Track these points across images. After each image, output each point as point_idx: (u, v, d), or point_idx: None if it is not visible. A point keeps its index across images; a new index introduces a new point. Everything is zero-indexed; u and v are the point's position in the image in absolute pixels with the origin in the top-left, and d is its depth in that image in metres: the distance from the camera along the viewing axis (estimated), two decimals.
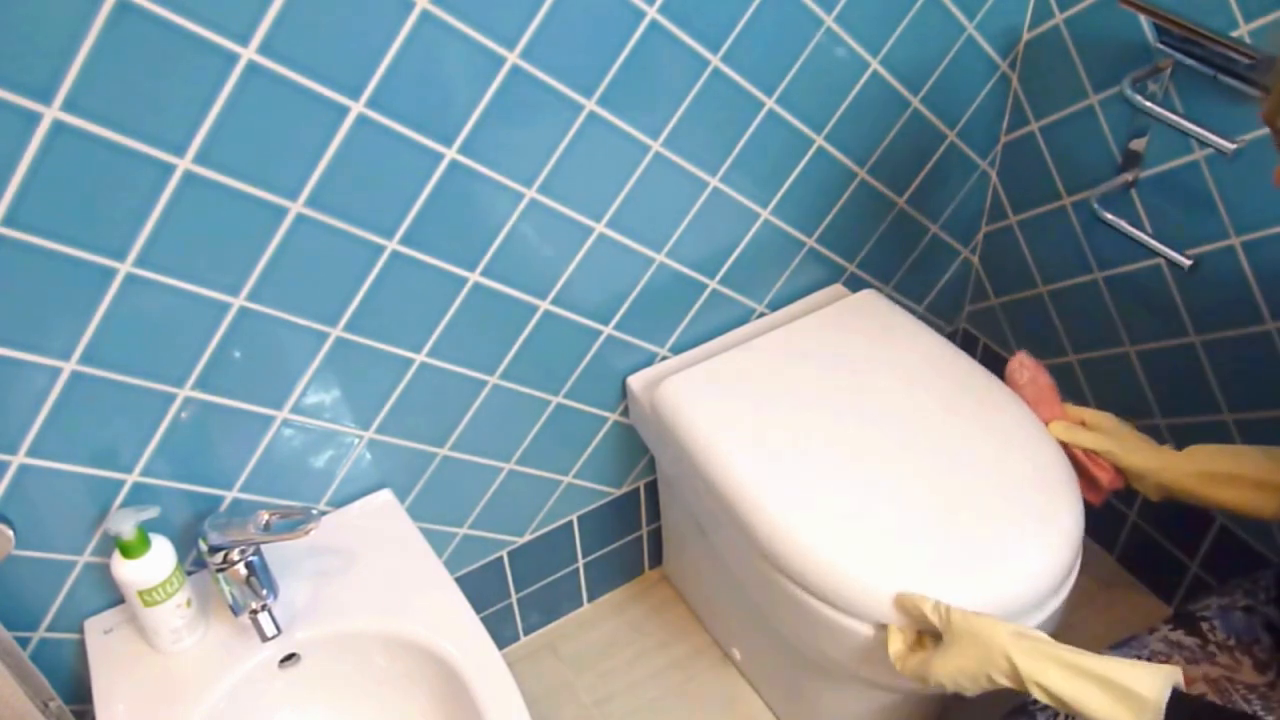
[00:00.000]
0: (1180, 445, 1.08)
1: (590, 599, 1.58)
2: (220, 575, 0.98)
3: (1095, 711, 0.83)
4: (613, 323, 1.24)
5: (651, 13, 1.02)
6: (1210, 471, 1.03)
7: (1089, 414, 1.14)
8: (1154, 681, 0.81)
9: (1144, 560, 1.52)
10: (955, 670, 0.91)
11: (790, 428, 1.16)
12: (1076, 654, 0.85)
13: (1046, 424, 1.14)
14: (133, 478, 1.01)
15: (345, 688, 1.06)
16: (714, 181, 1.19)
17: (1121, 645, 0.97)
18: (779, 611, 1.12)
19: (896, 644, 0.98)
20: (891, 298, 1.46)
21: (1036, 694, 0.86)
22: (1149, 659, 0.93)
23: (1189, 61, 1.13)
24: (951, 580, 0.98)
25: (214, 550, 0.96)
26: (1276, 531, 1.30)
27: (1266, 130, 1.10)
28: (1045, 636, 0.89)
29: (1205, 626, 0.96)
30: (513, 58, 0.97)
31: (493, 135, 1.00)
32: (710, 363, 1.26)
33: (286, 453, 1.09)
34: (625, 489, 1.45)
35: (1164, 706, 0.79)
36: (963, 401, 1.18)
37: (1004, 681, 0.89)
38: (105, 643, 1.04)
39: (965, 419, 1.16)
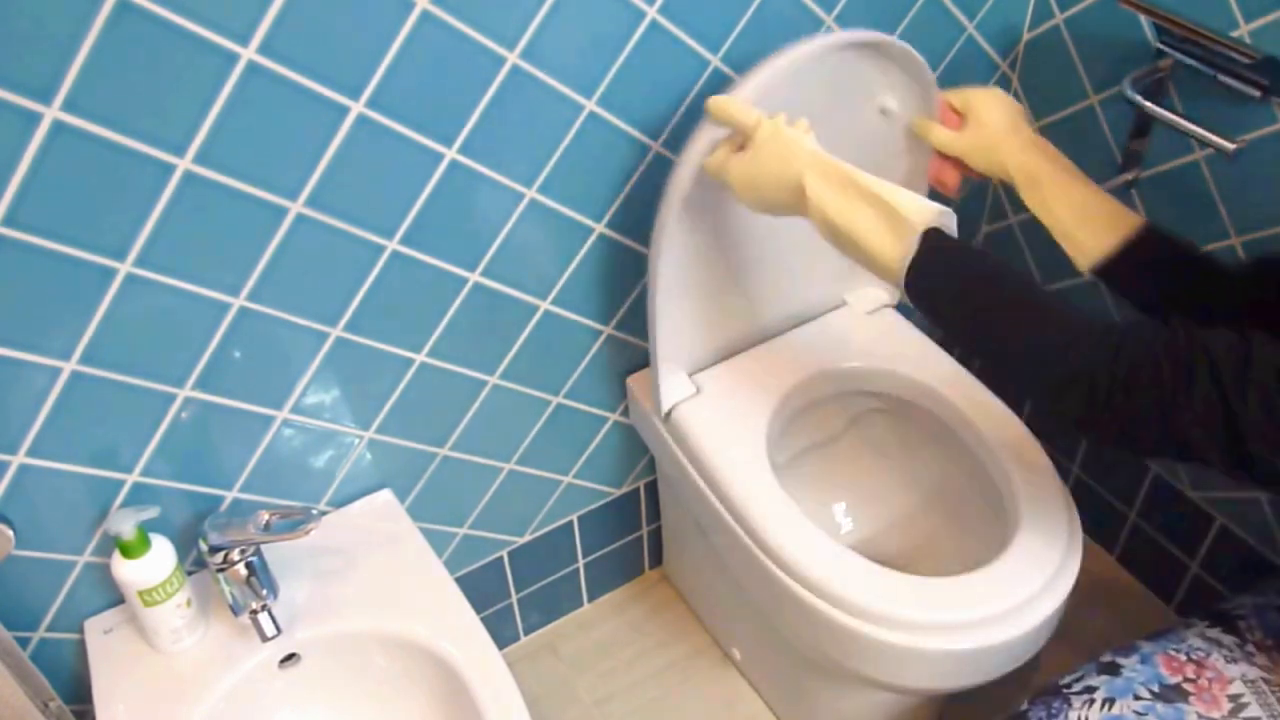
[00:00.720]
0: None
1: (590, 599, 1.58)
2: (220, 575, 0.98)
3: (860, 230, 0.85)
4: (613, 323, 1.24)
5: (651, 13, 1.01)
6: (1056, 168, 0.99)
7: (976, 95, 1.05)
8: (922, 209, 0.83)
9: (1144, 560, 1.52)
10: (751, 174, 0.92)
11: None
12: (862, 175, 0.86)
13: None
14: (133, 478, 1.01)
15: (345, 688, 1.06)
16: None
17: (1159, 636, 0.95)
18: (779, 611, 1.12)
19: (713, 149, 0.96)
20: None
21: (816, 220, 0.88)
22: (1187, 654, 0.92)
23: (1189, 61, 1.13)
24: None
25: (214, 550, 0.96)
26: (1278, 533, 1.30)
27: (1267, 130, 1.10)
28: (846, 165, 0.88)
29: (1243, 625, 0.94)
30: (513, 58, 0.97)
31: (493, 135, 1.00)
32: (711, 365, 1.26)
33: (286, 453, 1.09)
34: (625, 489, 1.45)
35: (921, 233, 0.82)
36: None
37: (790, 201, 0.90)
38: (105, 643, 1.04)
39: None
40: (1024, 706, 0.92)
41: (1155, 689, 0.89)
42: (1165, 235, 0.97)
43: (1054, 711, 0.90)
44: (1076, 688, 0.91)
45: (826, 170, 0.88)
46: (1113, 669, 0.92)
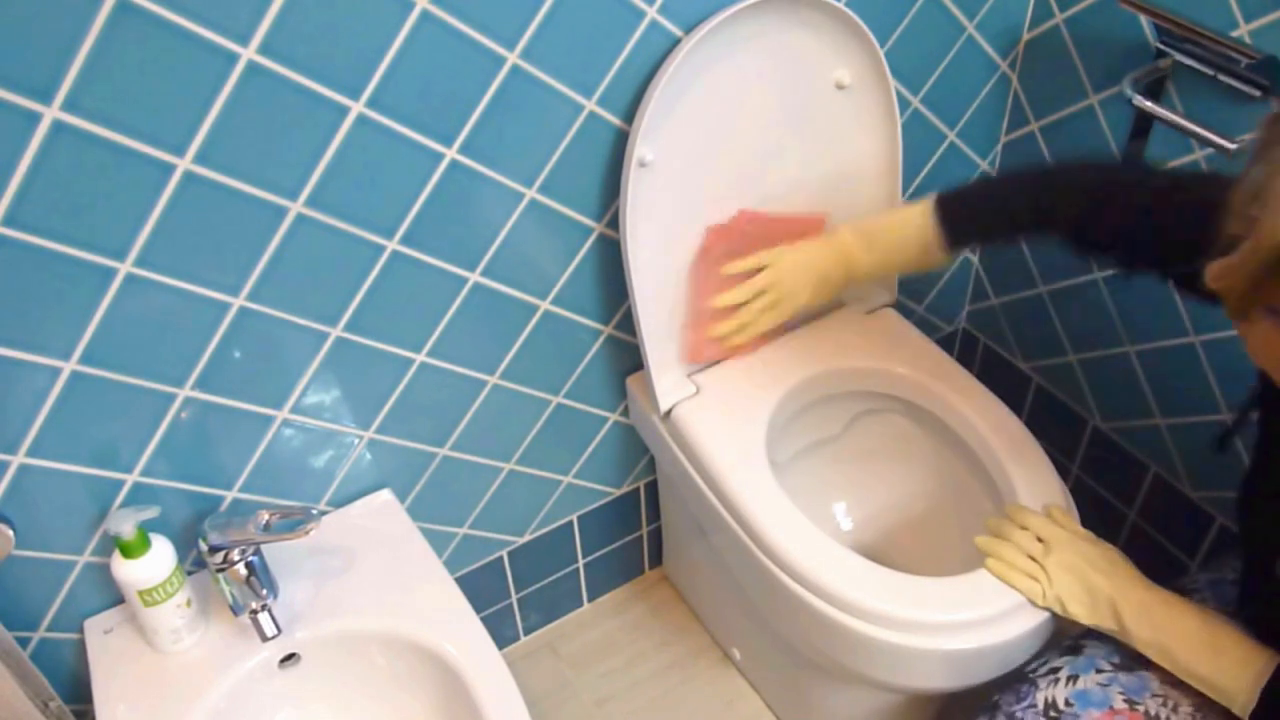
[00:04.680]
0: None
1: (590, 599, 1.58)
2: (220, 575, 0.98)
3: (1197, 670, 0.86)
4: (613, 323, 1.24)
5: (651, 13, 1.01)
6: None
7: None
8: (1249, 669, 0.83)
9: (1144, 560, 1.51)
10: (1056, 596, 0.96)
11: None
12: (1180, 608, 0.89)
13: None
14: (133, 478, 1.01)
15: (345, 688, 1.06)
16: None
17: None
18: (778, 611, 1.12)
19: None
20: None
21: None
22: None
23: (1189, 61, 1.13)
24: None
25: (214, 550, 0.96)
26: None
27: None
28: (1154, 591, 0.92)
29: (1197, 598, 0.97)
30: (513, 58, 0.97)
31: (493, 135, 1.00)
32: (711, 366, 1.26)
33: (286, 453, 1.09)
34: (625, 489, 1.45)
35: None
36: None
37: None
38: (105, 643, 1.04)
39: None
40: (994, 696, 0.93)
41: (1116, 660, 0.92)
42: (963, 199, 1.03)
43: (1022, 695, 0.92)
44: (1041, 670, 0.93)
45: (1142, 602, 0.91)
46: (1075, 649, 0.95)
